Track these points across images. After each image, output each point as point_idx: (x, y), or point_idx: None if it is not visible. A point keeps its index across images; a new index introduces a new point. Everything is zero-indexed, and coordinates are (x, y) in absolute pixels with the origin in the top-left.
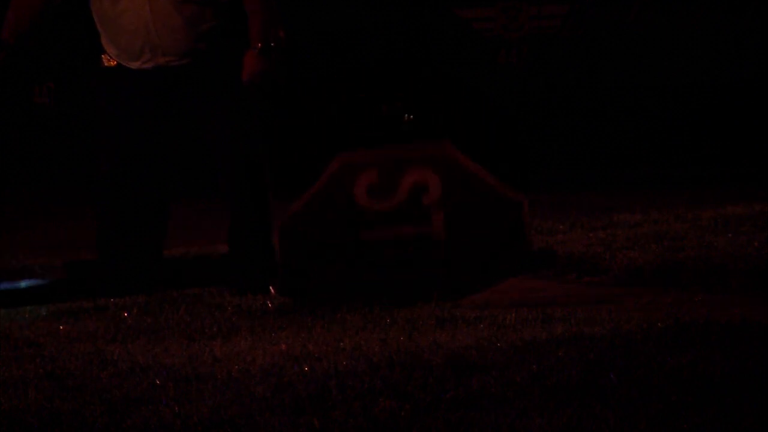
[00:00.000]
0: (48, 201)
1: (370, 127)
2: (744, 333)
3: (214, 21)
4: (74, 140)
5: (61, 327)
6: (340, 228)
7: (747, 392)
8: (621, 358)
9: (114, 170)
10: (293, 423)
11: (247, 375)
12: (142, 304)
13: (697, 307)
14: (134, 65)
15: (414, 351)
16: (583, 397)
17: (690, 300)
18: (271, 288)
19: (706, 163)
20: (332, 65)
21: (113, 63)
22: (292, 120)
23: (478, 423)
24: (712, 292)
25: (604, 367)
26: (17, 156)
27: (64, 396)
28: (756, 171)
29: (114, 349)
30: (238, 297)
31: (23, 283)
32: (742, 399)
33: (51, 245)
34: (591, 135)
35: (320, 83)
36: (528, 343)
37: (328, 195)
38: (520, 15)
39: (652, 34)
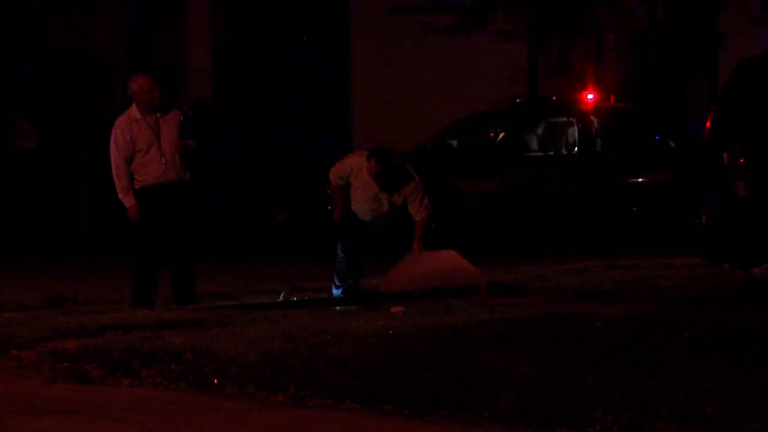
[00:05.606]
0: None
1: None
2: (572, 318)
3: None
4: None
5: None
6: None
7: (553, 340)
8: (524, 325)
9: (351, 244)
10: (386, 353)
11: (366, 333)
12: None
13: (554, 306)
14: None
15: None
16: (508, 341)
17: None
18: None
19: None
20: None
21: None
22: None
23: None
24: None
25: (522, 328)
26: None
27: (287, 343)
28: None
29: (321, 324)
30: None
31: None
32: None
33: (279, 279)
34: None
35: None
36: (479, 321)
37: None
38: None
39: None
